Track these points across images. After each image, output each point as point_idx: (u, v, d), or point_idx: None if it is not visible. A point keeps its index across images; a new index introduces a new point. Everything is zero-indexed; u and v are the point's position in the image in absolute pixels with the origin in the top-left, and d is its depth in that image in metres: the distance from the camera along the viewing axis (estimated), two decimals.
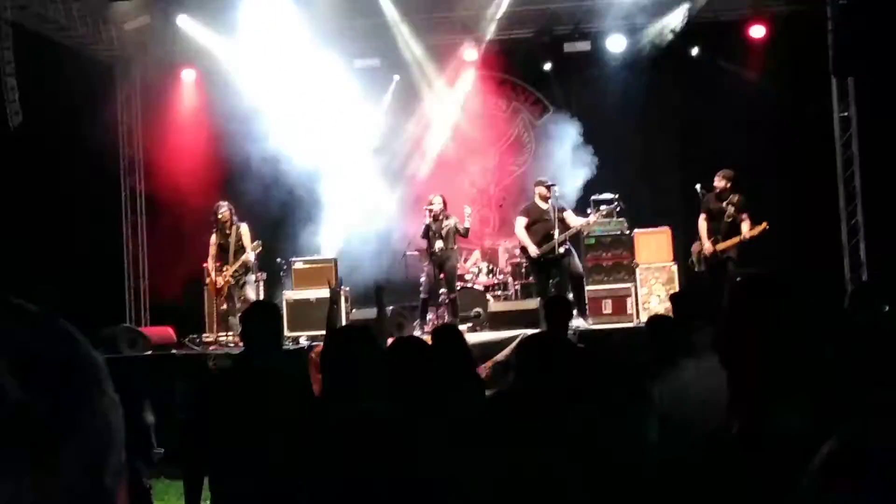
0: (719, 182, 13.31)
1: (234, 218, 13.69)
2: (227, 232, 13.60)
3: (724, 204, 13.28)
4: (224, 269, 13.57)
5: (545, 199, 13.50)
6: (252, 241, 13.61)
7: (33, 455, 0.88)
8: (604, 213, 14.41)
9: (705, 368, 4.87)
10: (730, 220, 13.28)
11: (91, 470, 0.93)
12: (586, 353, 6.83)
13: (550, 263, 13.46)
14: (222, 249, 13.65)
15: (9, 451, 0.87)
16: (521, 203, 14.62)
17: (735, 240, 13.20)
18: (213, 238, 13.76)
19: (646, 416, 4.03)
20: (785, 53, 15.68)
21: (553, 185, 13.63)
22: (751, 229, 13.08)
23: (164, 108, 16.78)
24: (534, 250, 13.40)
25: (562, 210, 13.59)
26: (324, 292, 13.76)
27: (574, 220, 13.58)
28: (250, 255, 13.53)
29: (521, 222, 13.65)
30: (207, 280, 14.07)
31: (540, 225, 13.43)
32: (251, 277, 14.02)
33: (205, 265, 14.16)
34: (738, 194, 13.26)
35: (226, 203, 13.74)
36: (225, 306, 13.82)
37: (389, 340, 5.34)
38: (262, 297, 14.81)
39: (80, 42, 16.07)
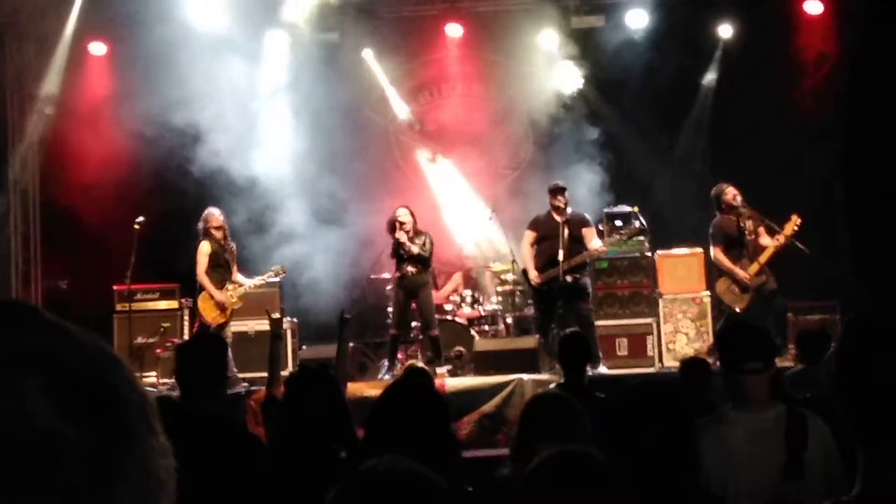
0: (729, 198, 13.30)
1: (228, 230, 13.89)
2: (223, 244, 13.67)
3: (740, 222, 13.26)
4: (229, 287, 13.61)
5: (560, 209, 13.47)
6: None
7: (56, 501, 0.86)
8: (624, 235, 14.22)
9: (762, 422, 4.91)
10: (753, 237, 13.25)
11: None
12: (610, 405, 6.83)
13: (556, 293, 13.38)
14: (217, 262, 13.64)
15: (27, 495, 0.84)
16: (516, 215, 14.73)
17: (771, 249, 13.09)
18: (205, 246, 13.62)
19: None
20: (848, 33, 15.81)
21: (563, 189, 13.60)
22: (778, 235, 13.05)
23: (66, 89, 16.64)
24: (533, 276, 13.43)
25: (582, 224, 13.57)
26: (264, 324, 13.71)
27: (594, 242, 13.53)
28: (253, 281, 13.88)
29: (526, 238, 13.69)
30: (216, 298, 13.68)
31: (548, 244, 13.41)
32: None
33: (188, 290, 14.01)
34: (750, 206, 13.32)
35: (219, 210, 13.86)
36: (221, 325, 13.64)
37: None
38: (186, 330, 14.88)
39: None
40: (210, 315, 13.70)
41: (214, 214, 13.69)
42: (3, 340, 0.90)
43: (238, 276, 13.83)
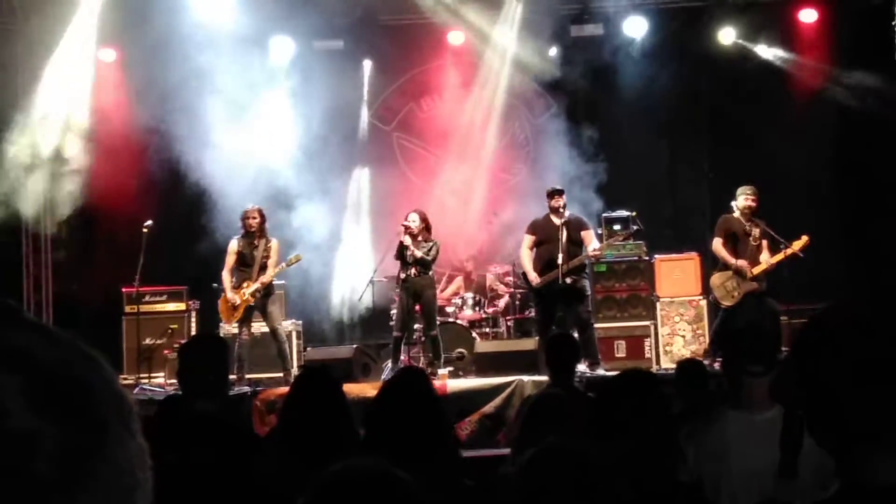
0: (748, 201, 12.99)
1: (266, 227, 13.50)
2: (255, 243, 13.31)
3: (749, 226, 13.01)
4: (244, 284, 13.25)
5: (558, 211, 13.23)
6: (278, 262, 13.40)
7: (32, 499, 0.85)
8: (620, 236, 14.16)
9: (759, 423, 4.84)
10: (756, 243, 13.02)
11: None
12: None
13: (555, 295, 13.10)
14: (243, 261, 13.36)
15: (4, 490, 0.84)
16: (518, 217, 14.70)
17: (779, 256, 12.90)
18: (234, 244, 13.42)
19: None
20: (841, 41, 15.76)
21: (561, 191, 13.39)
22: (784, 251, 12.86)
23: (74, 98, 16.52)
24: (533, 278, 13.21)
25: (580, 227, 13.33)
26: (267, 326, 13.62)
27: (592, 244, 13.24)
28: (269, 273, 13.25)
29: (525, 241, 13.47)
30: (227, 297, 13.42)
31: (546, 247, 13.17)
32: (275, 300, 13.71)
33: (225, 290, 13.55)
34: (763, 218, 13.10)
35: (257, 208, 13.50)
36: (238, 329, 13.48)
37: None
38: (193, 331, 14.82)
39: None
40: (225, 315, 13.60)
41: (246, 210, 13.43)
42: None
43: (263, 276, 13.25)
